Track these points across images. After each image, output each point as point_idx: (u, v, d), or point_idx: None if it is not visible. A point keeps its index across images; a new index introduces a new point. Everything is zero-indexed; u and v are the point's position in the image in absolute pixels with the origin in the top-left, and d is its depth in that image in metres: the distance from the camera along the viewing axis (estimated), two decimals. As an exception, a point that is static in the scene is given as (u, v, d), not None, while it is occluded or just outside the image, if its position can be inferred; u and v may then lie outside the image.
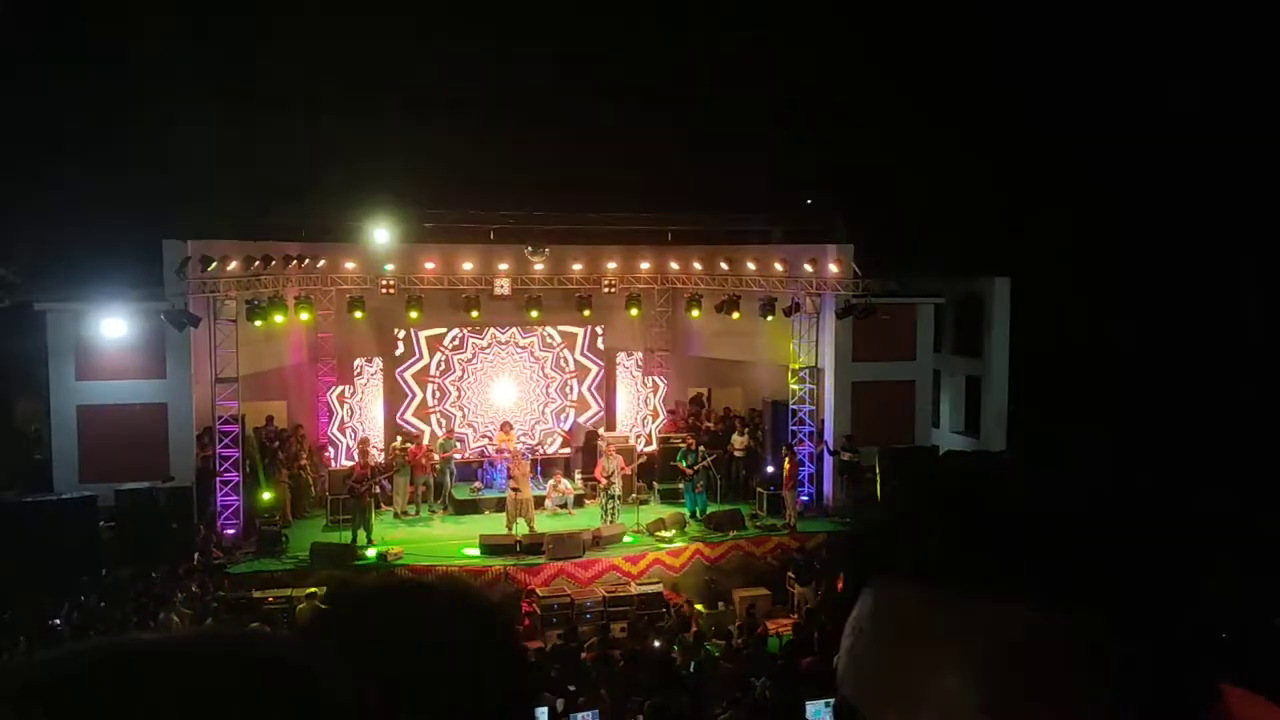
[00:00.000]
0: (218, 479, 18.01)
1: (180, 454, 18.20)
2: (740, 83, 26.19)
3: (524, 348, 22.52)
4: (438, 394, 22.09)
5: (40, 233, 22.84)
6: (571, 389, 22.85)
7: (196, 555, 16.63)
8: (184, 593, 14.93)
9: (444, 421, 21.82)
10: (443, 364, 22.09)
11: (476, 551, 17.63)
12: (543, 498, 19.82)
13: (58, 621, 13.46)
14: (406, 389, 21.90)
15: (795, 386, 20.97)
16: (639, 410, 23.26)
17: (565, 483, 20.47)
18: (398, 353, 21.72)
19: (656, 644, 14.29)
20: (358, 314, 20.60)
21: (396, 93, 24.22)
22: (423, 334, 21.80)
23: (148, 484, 17.31)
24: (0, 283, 23.61)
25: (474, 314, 20.87)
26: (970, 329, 24.02)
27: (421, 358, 21.95)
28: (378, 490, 19.08)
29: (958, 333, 24.53)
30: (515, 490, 18.50)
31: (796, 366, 21.00)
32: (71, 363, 18.24)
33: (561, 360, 22.75)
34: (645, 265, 21.67)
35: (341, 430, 21.36)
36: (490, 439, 21.59)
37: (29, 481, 19.15)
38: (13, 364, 21.76)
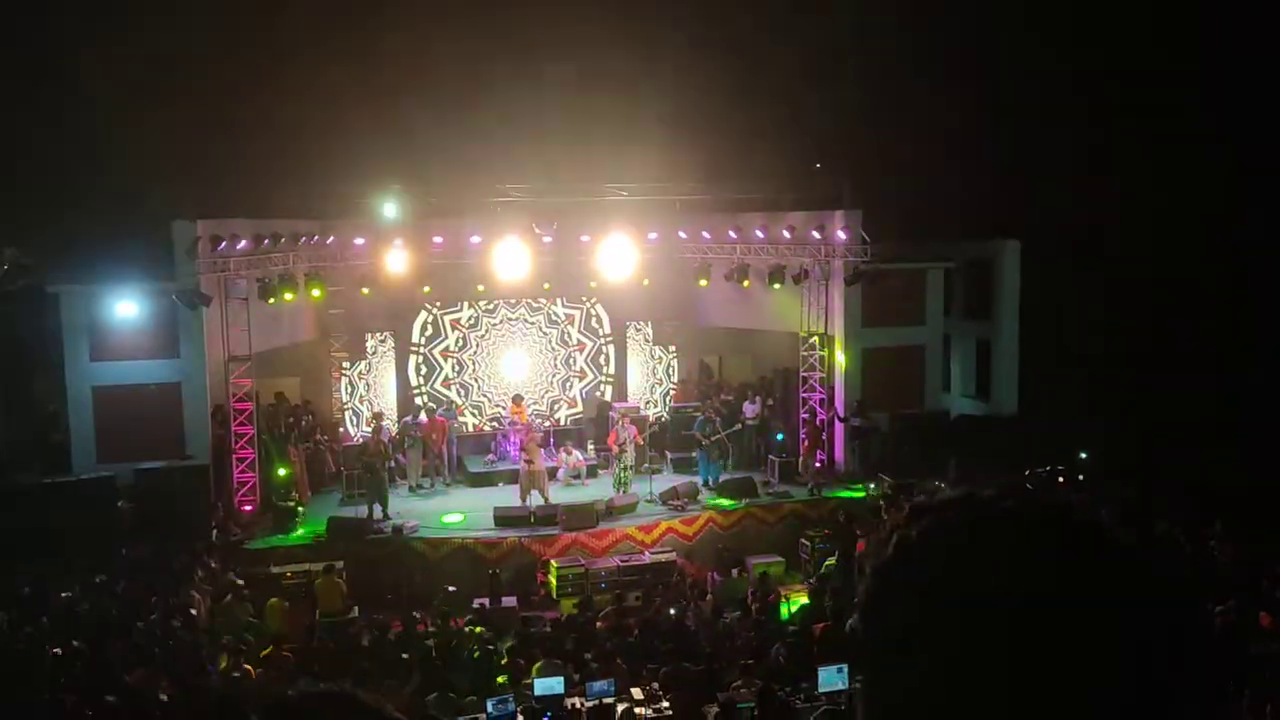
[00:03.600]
0: (234, 456, 18.15)
1: (196, 432, 18.36)
2: (748, 47, 26.03)
3: (533, 321, 22.59)
4: (449, 368, 22.20)
5: (51, 215, 22.92)
6: (582, 360, 22.95)
7: (214, 532, 16.79)
8: (203, 569, 15.11)
9: (452, 395, 21.95)
10: (452, 338, 22.19)
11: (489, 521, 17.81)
12: (555, 469, 19.95)
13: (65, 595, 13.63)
14: (417, 364, 22.01)
15: (805, 354, 21.00)
16: (650, 380, 23.33)
17: (576, 453, 20.58)
18: (422, 333, 21.81)
19: (671, 612, 14.42)
20: (364, 290, 20.63)
21: (405, 67, 24.13)
22: (432, 309, 21.89)
23: (164, 463, 17.47)
24: (13, 264, 23.75)
25: (480, 288, 20.91)
26: (980, 293, 23.97)
27: (430, 332, 22.05)
28: (392, 464, 19.21)
29: (967, 297, 24.48)
30: (528, 462, 18.63)
31: (806, 334, 21.02)
32: (85, 344, 18.37)
33: (572, 332, 22.82)
34: (653, 235, 21.65)
35: (354, 406, 21.49)
36: (503, 411, 21.73)
37: (47, 462, 19.33)
38: (27, 345, 21.91)
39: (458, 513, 18.37)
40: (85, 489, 16.73)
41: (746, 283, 21.04)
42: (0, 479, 19.43)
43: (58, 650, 11.41)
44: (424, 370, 22.08)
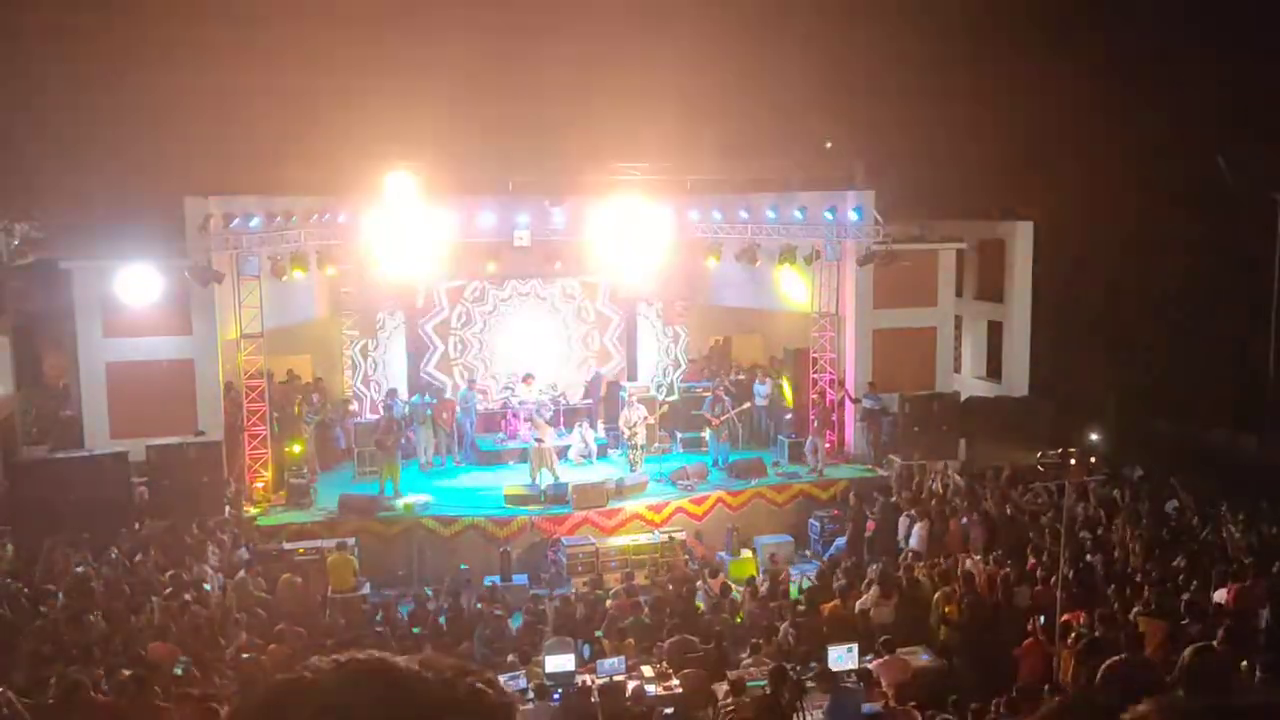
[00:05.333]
0: (246, 433, 18.22)
1: (208, 409, 18.42)
2: (756, 25, 25.85)
3: (545, 299, 22.59)
4: (460, 346, 22.26)
5: (63, 190, 22.95)
6: (594, 339, 22.96)
7: (227, 508, 16.87)
8: (215, 545, 15.20)
9: (465, 373, 22.01)
10: (464, 316, 22.21)
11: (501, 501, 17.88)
12: (567, 447, 20.04)
13: (80, 570, 13.72)
14: (428, 342, 22.05)
15: (816, 334, 20.97)
16: (660, 360, 23.33)
17: (592, 432, 20.65)
18: (436, 313, 21.88)
19: (681, 591, 14.46)
20: (375, 268, 20.64)
21: (412, 42, 24.05)
22: (444, 286, 21.91)
23: (177, 439, 17.55)
24: (24, 238, 23.81)
25: (490, 266, 20.90)
26: (992, 274, 23.89)
27: (443, 310, 22.08)
28: (403, 442, 19.28)
29: (980, 278, 24.40)
30: (539, 441, 18.69)
31: (817, 314, 20.97)
32: (98, 320, 18.41)
33: (583, 311, 22.82)
34: (665, 214, 21.57)
35: (365, 383, 21.55)
36: (513, 390, 21.76)
37: (61, 437, 19.43)
38: (40, 321, 22.00)
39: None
40: (99, 464, 16.81)
41: (757, 262, 20.99)
42: (14, 454, 19.56)
43: (73, 623, 11.51)
44: (437, 349, 22.14)
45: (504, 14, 25.24)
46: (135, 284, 18.31)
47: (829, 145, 25.40)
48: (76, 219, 22.35)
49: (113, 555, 14.34)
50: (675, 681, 10.80)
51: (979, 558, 14.37)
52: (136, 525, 16.00)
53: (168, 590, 12.91)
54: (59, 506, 15.56)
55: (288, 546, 16.07)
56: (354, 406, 21.34)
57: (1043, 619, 11.24)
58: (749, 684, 10.22)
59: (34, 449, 19.36)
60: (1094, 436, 18.52)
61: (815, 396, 20.50)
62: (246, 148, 20.83)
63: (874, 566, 14.57)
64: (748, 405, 20.60)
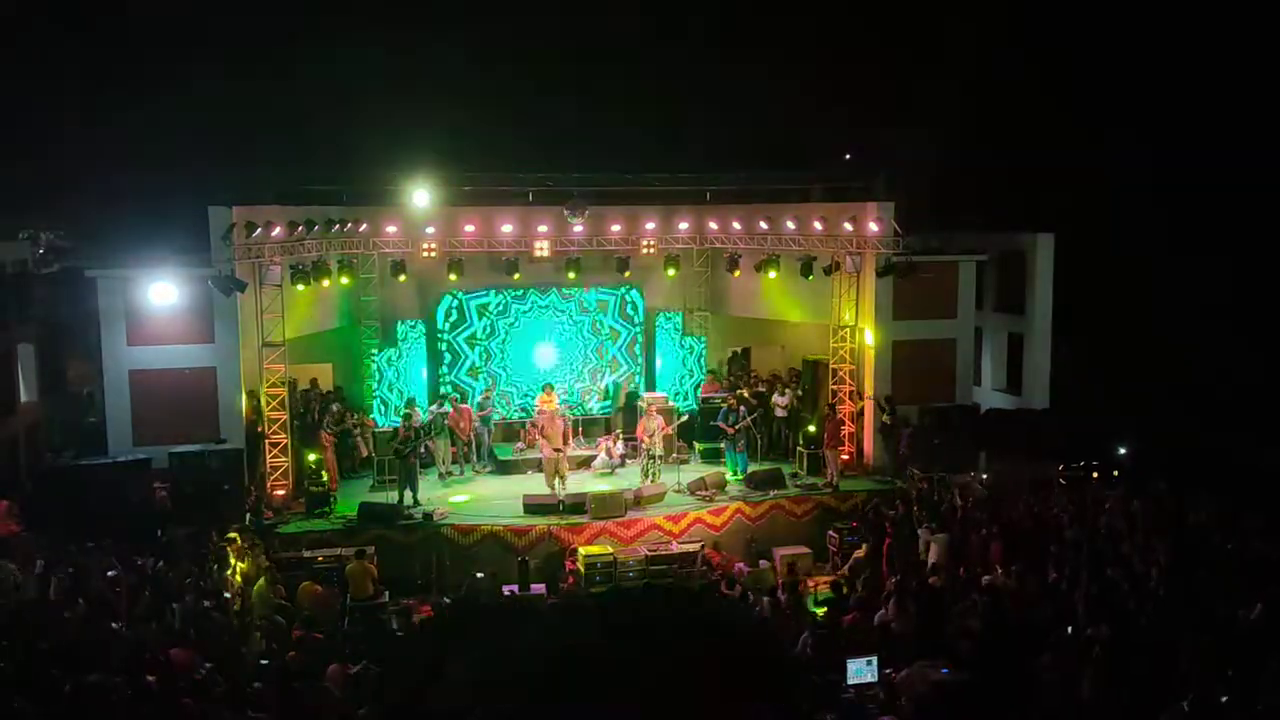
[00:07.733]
0: (266, 440, 18.32)
1: (230, 417, 18.55)
2: (779, 35, 25.93)
3: (564, 310, 22.61)
4: (479, 356, 22.28)
5: (88, 199, 23.20)
6: (611, 350, 22.95)
7: (248, 515, 16.95)
8: (235, 552, 15.25)
9: (484, 383, 22.04)
10: (483, 326, 22.24)
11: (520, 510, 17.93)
12: (592, 458, 20.05)
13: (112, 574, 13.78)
14: (448, 351, 22.09)
15: (835, 345, 20.92)
16: (679, 370, 23.32)
17: (619, 445, 20.67)
18: (442, 316, 21.95)
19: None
20: (400, 277, 20.82)
21: (435, 56, 24.22)
22: (464, 297, 21.96)
23: (199, 446, 17.66)
24: (50, 247, 24.05)
25: (515, 275, 20.99)
26: (1013, 286, 23.80)
27: (462, 320, 22.12)
28: (422, 451, 19.34)
29: (1000, 290, 24.31)
30: (557, 450, 18.74)
31: (836, 325, 20.92)
32: (122, 328, 18.61)
33: (601, 322, 22.82)
34: (684, 225, 21.62)
35: (385, 392, 21.61)
36: (533, 400, 21.79)
37: (85, 444, 19.59)
38: (65, 328, 22.22)
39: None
40: (122, 470, 16.93)
41: (775, 274, 20.97)
42: (38, 460, 19.74)
43: (94, 629, 11.57)
44: (457, 358, 22.17)
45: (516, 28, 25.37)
46: (159, 293, 18.49)
47: (848, 157, 25.42)
48: (101, 228, 22.59)
49: (136, 562, 14.41)
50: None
51: (999, 571, 14.28)
52: (158, 531, 16.09)
53: (188, 596, 12.97)
54: (83, 512, 15.66)
55: (307, 554, 16.13)
56: (373, 416, 21.41)
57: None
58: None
59: (58, 455, 19.52)
60: (1122, 450, 18.42)
61: (827, 411, 20.36)
62: (269, 158, 21.01)
63: (893, 579, 14.50)
64: (758, 413, 20.51)
